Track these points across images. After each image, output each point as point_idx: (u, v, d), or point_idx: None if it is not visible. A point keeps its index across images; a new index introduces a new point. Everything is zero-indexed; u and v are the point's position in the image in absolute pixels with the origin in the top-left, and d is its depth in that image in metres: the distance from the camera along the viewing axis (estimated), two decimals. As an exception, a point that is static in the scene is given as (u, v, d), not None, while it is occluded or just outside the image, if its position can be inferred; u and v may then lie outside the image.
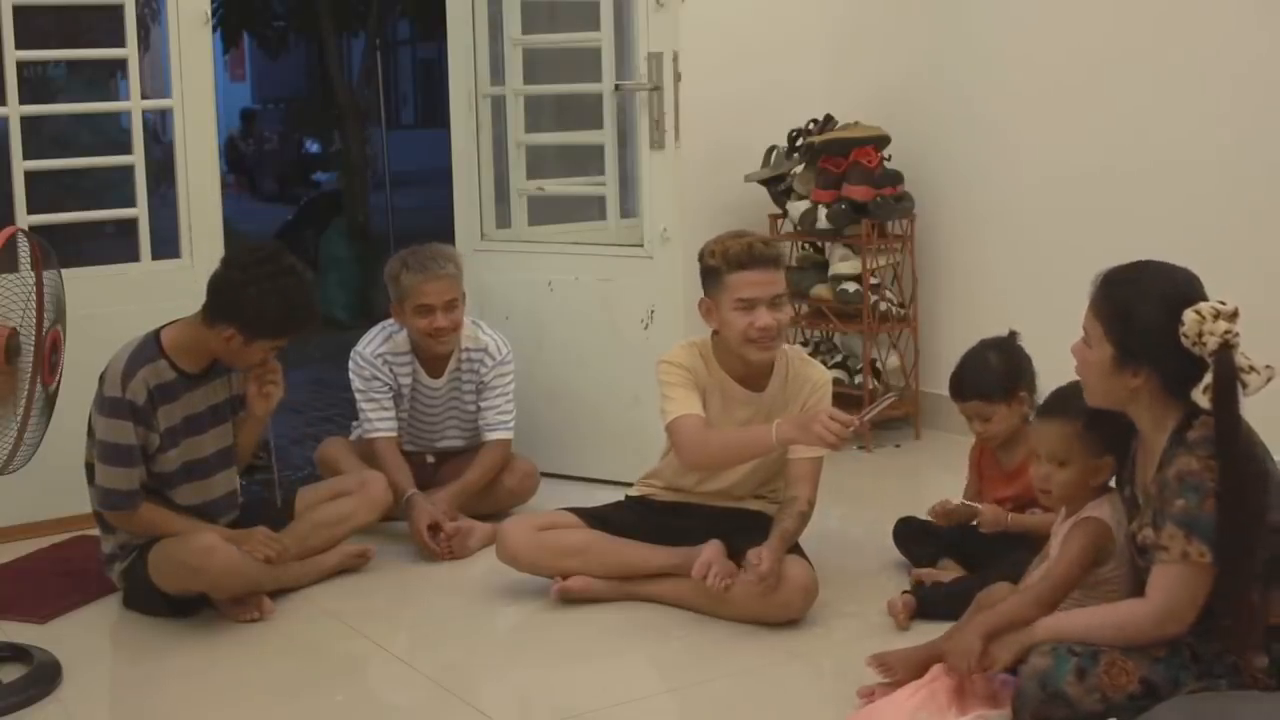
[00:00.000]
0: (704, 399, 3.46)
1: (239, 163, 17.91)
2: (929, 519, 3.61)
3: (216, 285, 3.41)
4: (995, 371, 3.52)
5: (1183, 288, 2.53)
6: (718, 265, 3.41)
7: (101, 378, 3.43)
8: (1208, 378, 2.45)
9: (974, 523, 3.46)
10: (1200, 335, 2.44)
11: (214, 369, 3.54)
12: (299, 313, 3.43)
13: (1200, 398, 2.46)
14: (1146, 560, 2.57)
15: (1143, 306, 2.52)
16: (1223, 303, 2.47)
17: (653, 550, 3.52)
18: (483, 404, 4.23)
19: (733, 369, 3.50)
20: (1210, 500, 2.45)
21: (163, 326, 3.50)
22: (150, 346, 3.45)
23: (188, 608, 3.47)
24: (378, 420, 4.16)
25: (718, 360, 3.52)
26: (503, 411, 4.22)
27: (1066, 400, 2.80)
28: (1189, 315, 2.45)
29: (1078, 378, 2.71)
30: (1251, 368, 2.45)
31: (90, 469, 3.46)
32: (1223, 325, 2.43)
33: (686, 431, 3.39)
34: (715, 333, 3.50)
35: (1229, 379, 2.44)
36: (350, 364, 4.22)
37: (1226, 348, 2.43)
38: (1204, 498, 2.46)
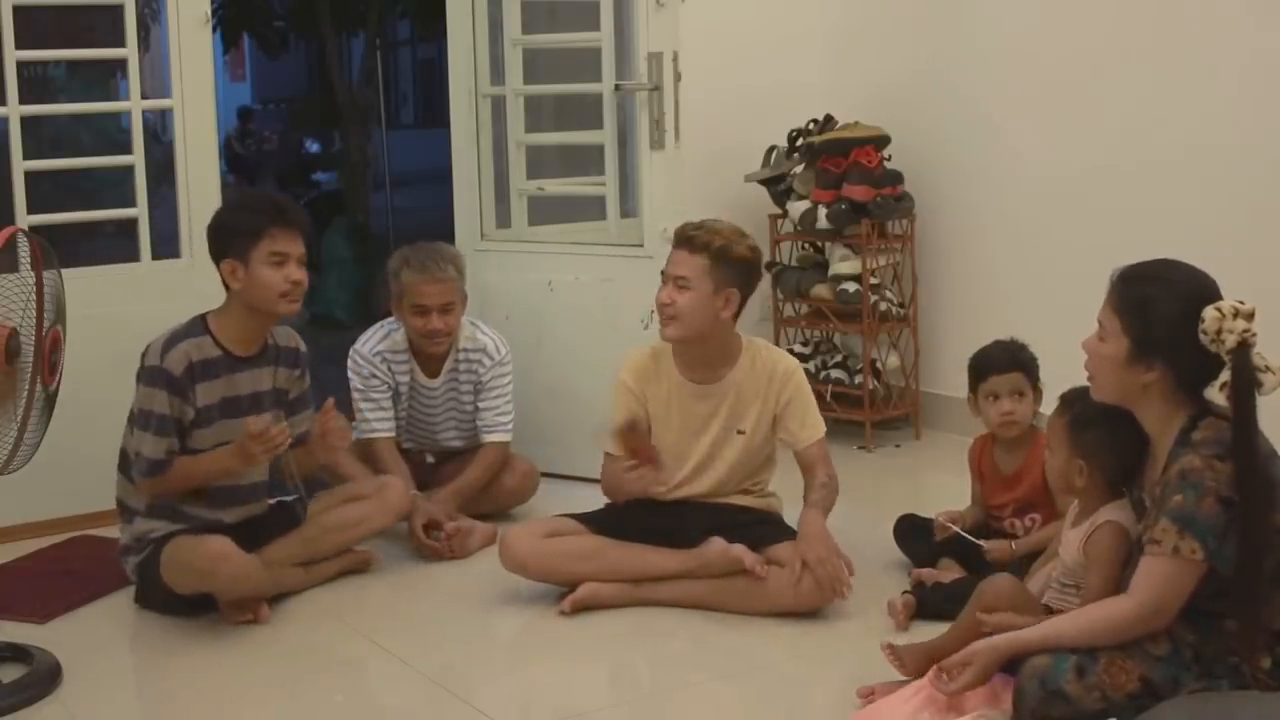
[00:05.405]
0: (656, 403, 3.56)
1: (239, 162, 17.89)
2: (930, 518, 3.62)
3: (206, 240, 3.58)
4: (1029, 351, 3.56)
5: (1202, 285, 2.55)
6: None
7: (144, 353, 3.45)
8: (1224, 376, 2.46)
9: (981, 547, 3.45)
10: (1219, 333, 2.46)
11: (264, 354, 3.56)
12: (262, 201, 3.58)
13: (1216, 395, 2.48)
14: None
15: (1163, 300, 2.54)
16: (1241, 302, 2.49)
17: (663, 554, 3.50)
18: (481, 404, 4.22)
19: (689, 362, 3.57)
20: (1209, 499, 2.45)
21: (208, 311, 3.54)
22: (196, 325, 3.50)
23: (200, 605, 3.45)
24: (376, 421, 4.16)
25: (675, 356, 3.57)
26: (501, 413, 4.22)
27: (1072, 395, 2.83)
28: (1209, 312, 2.47)
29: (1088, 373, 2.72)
30: (1267, 367, 2.48)
31: (124, 455, 3.49)
32: (1242, 324, 2.45)
33: (604, 471, 3.60)
34: None
35: (1247, 377, 2.45)
36: (349, 363, 4.21)
37: (1244, 346, 2.45)
38: (1202, 496, 2.46)
